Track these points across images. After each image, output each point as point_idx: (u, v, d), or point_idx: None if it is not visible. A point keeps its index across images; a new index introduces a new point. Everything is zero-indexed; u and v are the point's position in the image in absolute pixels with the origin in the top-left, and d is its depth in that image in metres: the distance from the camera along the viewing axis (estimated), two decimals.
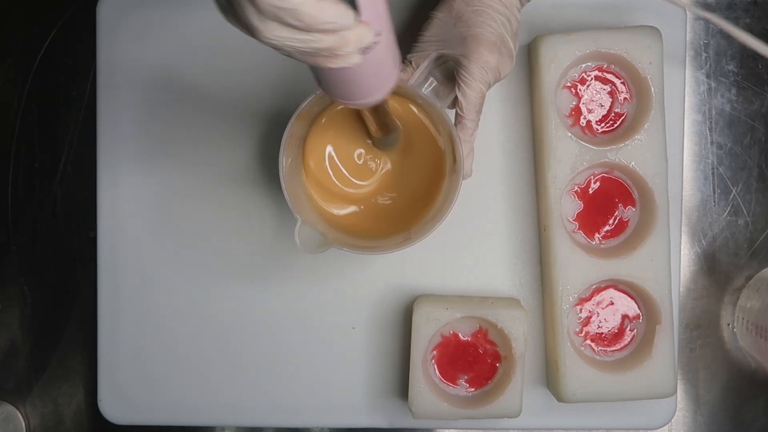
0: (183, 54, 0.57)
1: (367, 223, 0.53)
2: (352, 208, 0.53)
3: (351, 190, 0.53)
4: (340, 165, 0.53)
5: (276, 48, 0.31)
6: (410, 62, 0.48)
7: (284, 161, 0.48)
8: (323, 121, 0.52)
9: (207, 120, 0.57)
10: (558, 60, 0.53)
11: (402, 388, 0.57)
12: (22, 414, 0.59)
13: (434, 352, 0.55)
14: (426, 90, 0.49)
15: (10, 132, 0.59)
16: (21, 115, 0.59)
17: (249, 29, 0.31)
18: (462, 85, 0.46)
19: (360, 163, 0.53)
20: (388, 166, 0.53)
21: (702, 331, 0.59)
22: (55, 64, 0.59)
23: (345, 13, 0.30)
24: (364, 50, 0.32)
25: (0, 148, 0.59)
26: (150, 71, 0.57)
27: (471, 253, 0.57)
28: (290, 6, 0.29)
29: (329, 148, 0.53)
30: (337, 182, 0.53)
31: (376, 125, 0.48)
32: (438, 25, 0.48)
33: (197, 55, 0.57)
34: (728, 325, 0.59)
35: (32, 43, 0.59)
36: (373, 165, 0.53)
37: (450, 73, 0.48)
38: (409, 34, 0.49)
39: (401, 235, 0.51)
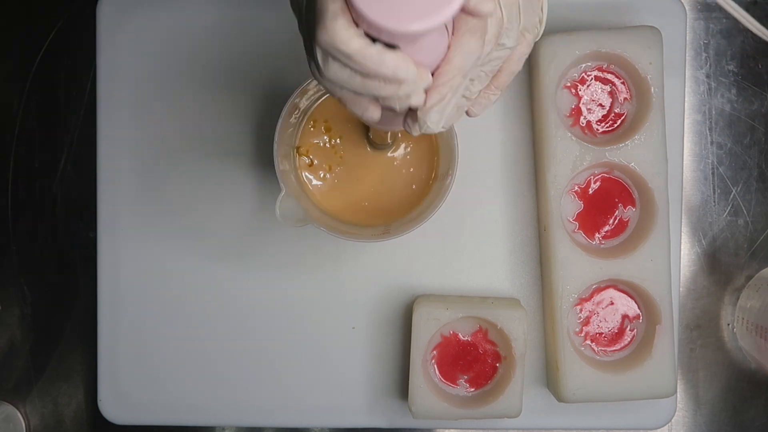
0: (182, 54, 0.57)
1: (350, 209, 0.53)
2: (337, 193, 0.53)
3: (339, 176, 0.53)
4: (332, 150, 0.53)
5: (332, 89, 0.31)
6: None
7: (279, 135, 0.48)
8: (321, 105, 0.52)
9: (206, 119, 0.57)
10: (558, 60, 0.53)
11: (402, 388, 0.57)
12: (22, 414, 0.59)
13: (434, 352, 0.55)
14: None
15: (10, 132, 0.59)
16: (21, 115, 0.59)
17: (315, 69, 0.31)
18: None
19: (352, 150, 0.53)
20: (381, 158, 0.53)
21: (702, 331, 0.59)
22: (55, 64, 0.59)
23: (405, 66, 0.28)
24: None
25: (0, 148, 0.59)
26: (150, 71, 0.57)
27: (471, 252, 0.57)
28: (347, 51, 0.28)
29: (324, 131, 0.53)
30: (325, 166, 0.53)
31: (380, 135, 0.48)
32: None
33: (196, 55, 0.57)
34: (728, 325, 0.59)
35: (32, 43, 0.59)
36: (364, 154, 0.53)
37: None
38: None
39: (380, 228, 0.51)
